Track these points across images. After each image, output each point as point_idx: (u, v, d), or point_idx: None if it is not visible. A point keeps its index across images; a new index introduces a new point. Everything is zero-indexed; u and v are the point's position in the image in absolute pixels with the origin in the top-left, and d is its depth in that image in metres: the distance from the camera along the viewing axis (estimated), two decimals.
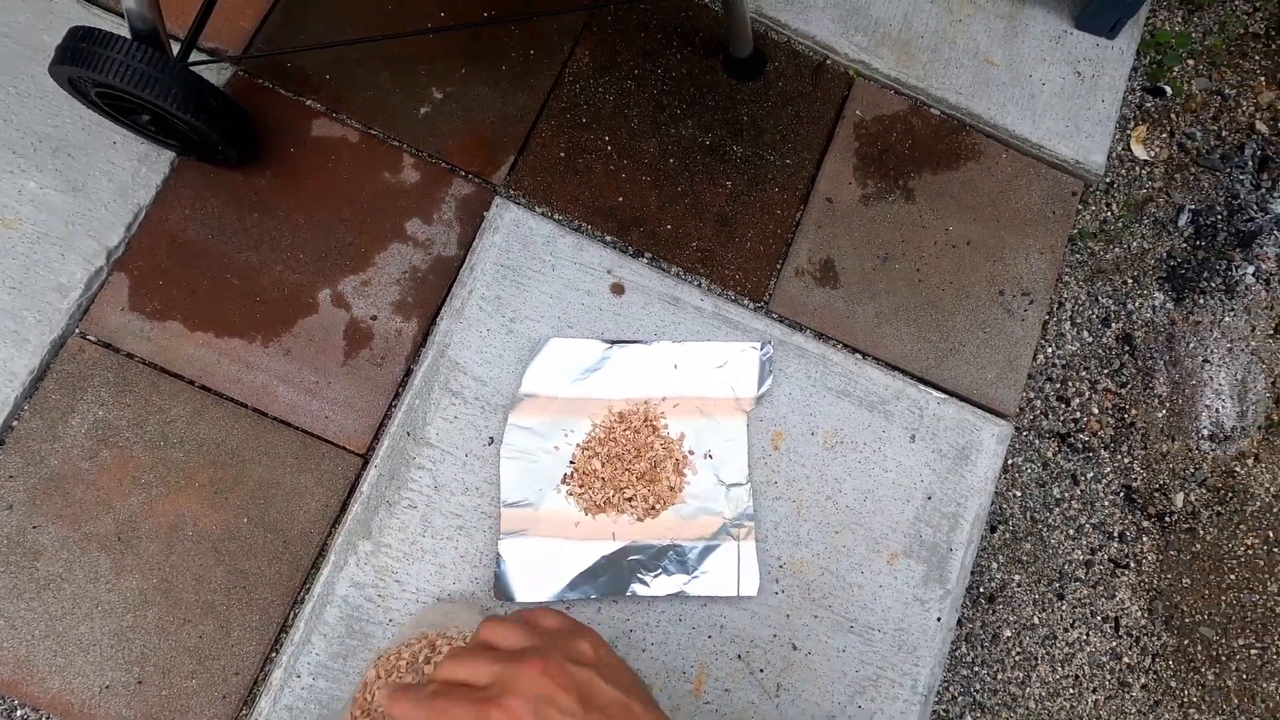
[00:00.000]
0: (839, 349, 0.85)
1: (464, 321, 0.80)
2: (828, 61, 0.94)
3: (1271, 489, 0.93)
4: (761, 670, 0.76)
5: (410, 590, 0.74)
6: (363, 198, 0.83)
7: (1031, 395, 0.92)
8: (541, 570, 0.73)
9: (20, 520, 0.72)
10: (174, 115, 0.68)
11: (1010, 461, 0.90)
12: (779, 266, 0.87)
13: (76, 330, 0.77)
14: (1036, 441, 0.91)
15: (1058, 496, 0.90)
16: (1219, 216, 0.99)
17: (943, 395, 0.85)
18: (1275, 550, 0.91)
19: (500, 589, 0.73)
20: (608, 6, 0.90)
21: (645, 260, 0.85)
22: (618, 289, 0.82)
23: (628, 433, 0.77)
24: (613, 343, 0.80)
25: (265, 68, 0.85)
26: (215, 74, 0.83)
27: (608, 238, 0.85)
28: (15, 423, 0.74)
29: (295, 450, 0.77)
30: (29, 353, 0.75)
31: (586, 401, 0.78)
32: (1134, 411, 0.93)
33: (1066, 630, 0.87)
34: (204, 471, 0.75)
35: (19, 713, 0.70)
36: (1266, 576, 0.91)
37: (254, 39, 0.86)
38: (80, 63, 0.63)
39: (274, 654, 0.72)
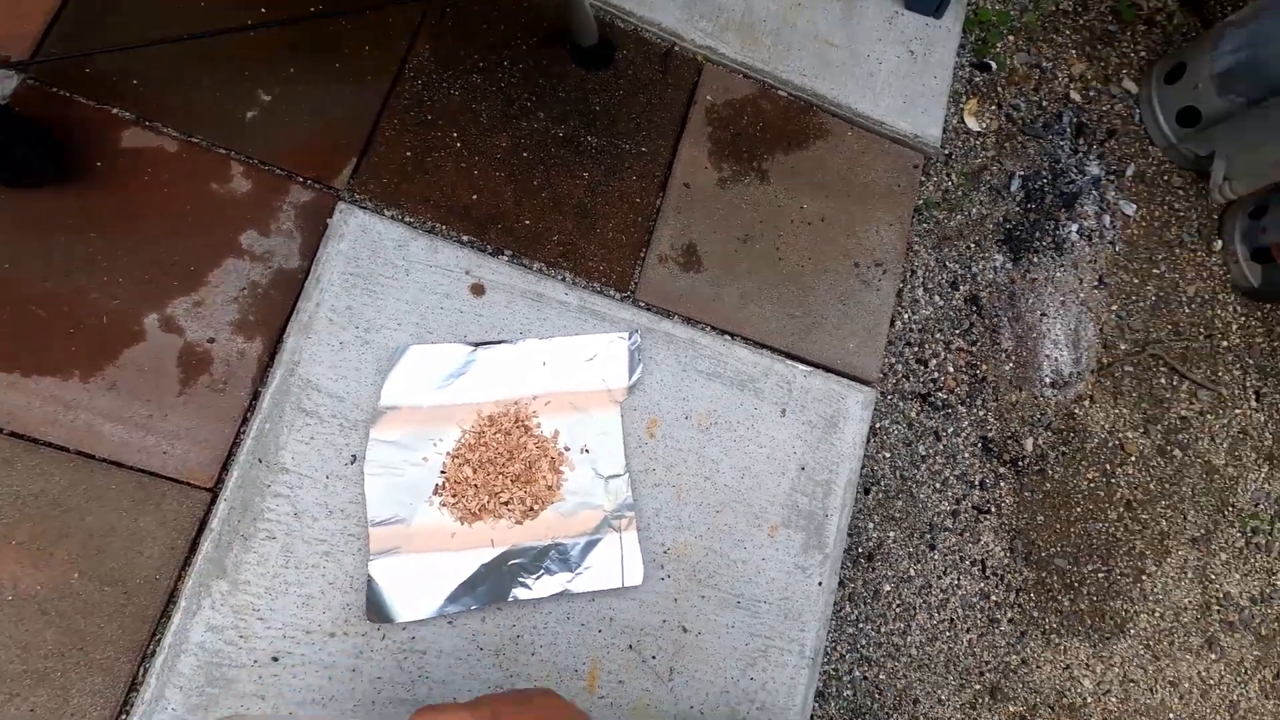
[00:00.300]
0: (707, 331, 0.87)
1: (313, 336, 0.75)
2: (676, 48, 0.94)
3: (1105, 425, 1.02)
4: (654, 657, 0.76)
5: (276, 626, 0.69)
6: (188, 211, 0.76)
7: (892, 360, 0.96)
8: (417, 587, 0.71)
9: None
10: None
11: (877, 425, 0.94)
12: (643, 254, 0.87)
13: None
14: (900, 403, 0.96)
15: (923, 453, 0.95)
16: (1045, 180, 1.08)
17: (809, 368, 0.88)
18: (1112, 481, 1.01)
19: (374, 611, 0.69)
20: None
21: (505, 258, 0.83)
22: (478, 289, 0.80)
23: (499, 435, 0.75)
24: (477, 345, 0.78)
25: (60, 74, 0.76)
26: None
27: (464, 238, 0.83)
28: None
29: (131, 492, 0.70)
30: None
31: (453, 408, 0.76)
32: (985, 367, 1.00)
33: (940, 578, 0.92)
34: (21, 527, 0.67)
35: None
36: (1106, 505, 1.00)
37: (43, 42, 0.77)
38: None
39: (123, 717, 0.66)
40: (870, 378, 0.91)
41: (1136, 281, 1.07)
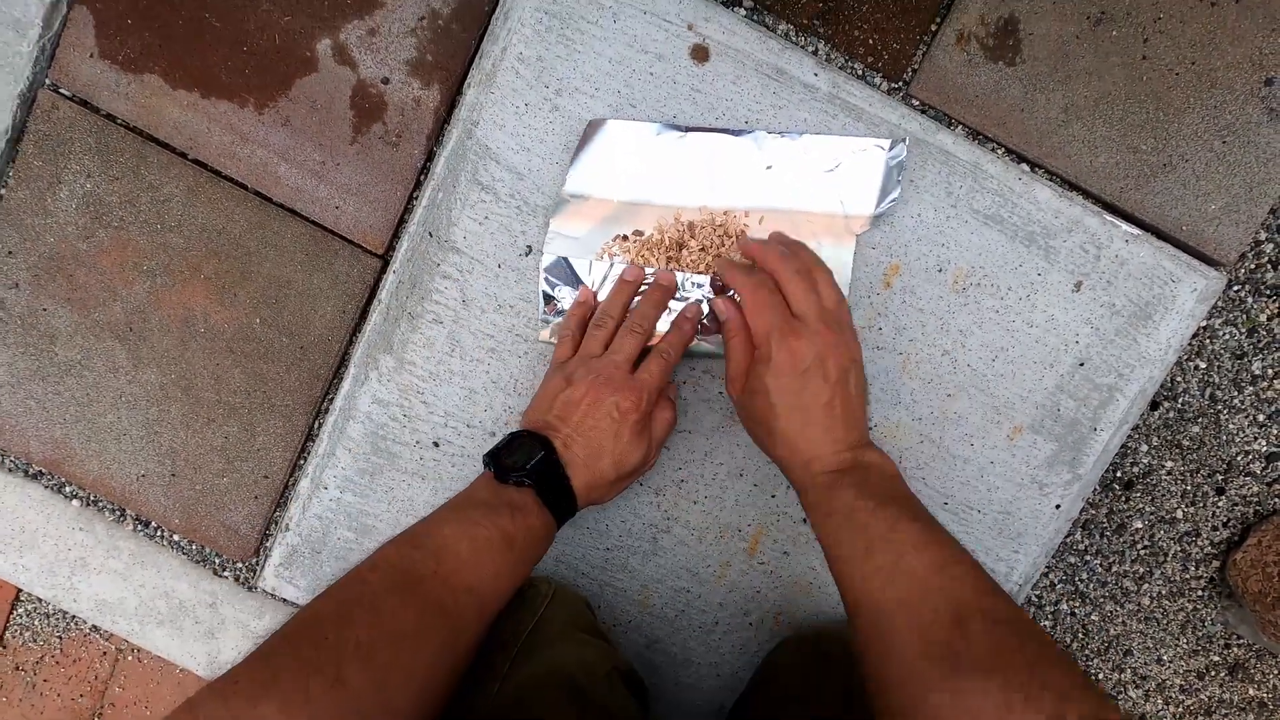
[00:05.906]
0: (999, 155, 0.62)
1: (496, 91, 0.61)
2: None
3: None
4: None
5: (439, 414, 0.65)
6: None
7: (1264, 238, 0.66)
8: None
9: (29, 300, 0.66)
10: None
11: (1205, 324, 0.68)
12: (934, 28, 0.61)
13: (46, 82, 0.64)
14: (1249, 300, 0.68)
15: (1257, 373, 0.69)
16: None
17: (1135, 230, 0.62)
18: None
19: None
20: None
21: (742, 12, 0.61)
22: (700, 54, 0.60)
23: (699, 251, 0.61)
24: (688, 130, 0.60)
25: None
26: None
27: None
28: (1, 190, 0.65)
29: (305, 245, 0.65)
30: None
31: (649, 208, 0.61)
32: None
33: (1215, 530, 0.71)
34: (208, 262, 0.65)
35: (68, 489, 0.70)
36: None
37: None
38: None
39: (301, 461, 0.68)
40: (1224, 258, 0.63)
41: None
